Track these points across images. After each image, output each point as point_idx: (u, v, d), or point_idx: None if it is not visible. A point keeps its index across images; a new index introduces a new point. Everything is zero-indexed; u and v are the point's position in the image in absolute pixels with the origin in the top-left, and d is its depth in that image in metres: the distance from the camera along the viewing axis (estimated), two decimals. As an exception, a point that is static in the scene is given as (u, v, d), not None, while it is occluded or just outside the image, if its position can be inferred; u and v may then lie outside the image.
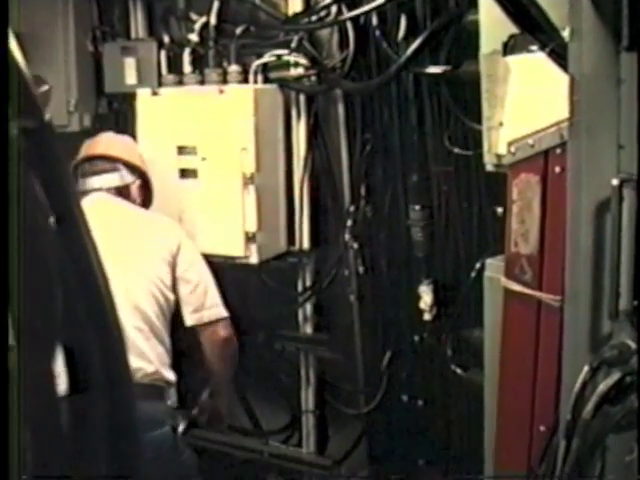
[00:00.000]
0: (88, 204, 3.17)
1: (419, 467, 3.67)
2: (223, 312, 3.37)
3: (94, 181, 3.31)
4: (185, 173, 3.59)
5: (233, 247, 3.53)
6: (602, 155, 1.79)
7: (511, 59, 2.71)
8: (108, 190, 3.31)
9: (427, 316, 3.50)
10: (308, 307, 3.82)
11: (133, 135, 3.65)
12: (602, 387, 1.98)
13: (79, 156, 3.38)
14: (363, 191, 3.61)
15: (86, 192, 3.26)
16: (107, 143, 3.43)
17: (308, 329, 3.84)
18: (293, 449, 3.98)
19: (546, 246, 2.49)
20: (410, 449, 3.72)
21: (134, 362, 2.94)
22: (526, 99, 2.64)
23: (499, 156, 2.76)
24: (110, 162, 3.34)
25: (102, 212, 3.13)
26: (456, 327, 3.44)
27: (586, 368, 2.25)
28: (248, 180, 3.48)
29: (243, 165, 3.47)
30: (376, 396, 3.74)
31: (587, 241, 1.85)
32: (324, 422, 3.95)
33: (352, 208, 3.63)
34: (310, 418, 3.90)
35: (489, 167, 2.86)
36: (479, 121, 2.90)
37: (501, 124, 2.78)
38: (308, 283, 3.80)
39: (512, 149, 2.57)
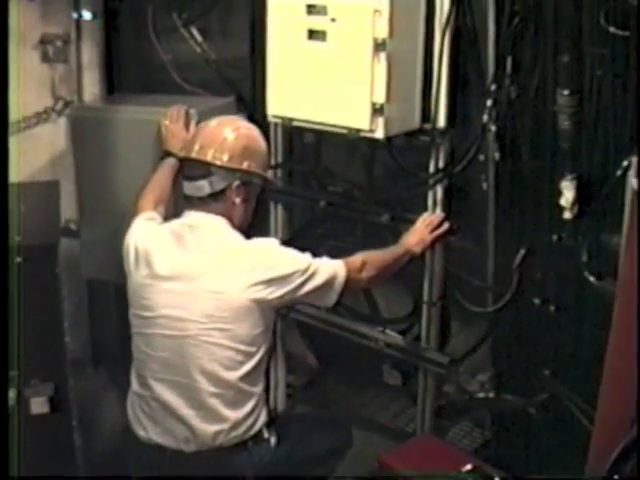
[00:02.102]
0: (181, 224, 3.23)
1: (544, 377, 3.54)
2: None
3: (186, 187, 3.21)
4: (313, 34, 3.41)
5: (358, 118, 3.36)
6: None
7: None
8: (200, 199, 3.18)
9: (567, 214, 3.27)
10: (439, 191, 3.64)
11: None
12: None
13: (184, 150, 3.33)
14: (508, 68, 3.36)
15: (185, 197, 3.23)
16: (206, 138, 3.22)
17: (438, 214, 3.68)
18: (411, 341, 3.88)
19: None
20: (536, 357, 3.57)
21: None
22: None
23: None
24: (203, 166, 3.17)
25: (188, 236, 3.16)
26: (596, 230, 3.23)
27: None
28: (379, 46, 3.27)
29: (375, 29, 3.26)
30: (505, 295, 3.57)
31: None
32: (447, 316, 3.83)
33: (494, 86, 3.39)
34: (432, 311, 3.78)
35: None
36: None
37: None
38: (441, 165, 3.61)
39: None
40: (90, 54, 4.54)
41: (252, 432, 3.19)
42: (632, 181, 2.44)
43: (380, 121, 3.36)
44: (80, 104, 4.49)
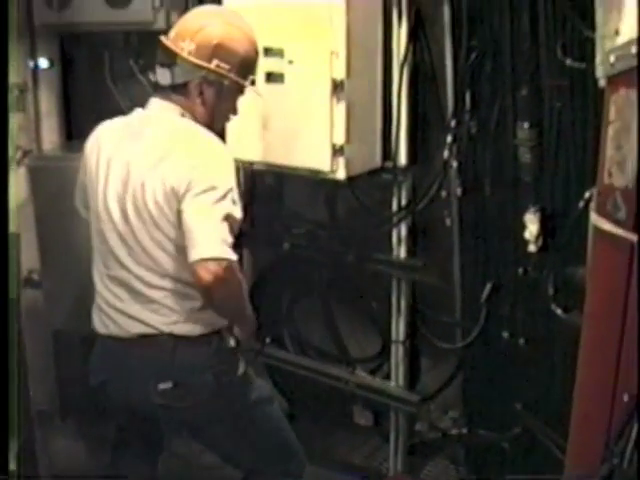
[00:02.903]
0: (141, 112, 2.99)
1: (516, 411, 3.49)
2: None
3: (157, 72, 2.95)
4: (271, 77, 3.37)
5: (319, 160, 3.33)
6: None
7: (631, -45, 2.40)
8: (163, 89, 2.94)
9: (532, 247, 3.26)
10: (403, 229, 3.60)
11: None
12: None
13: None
14: (467, 104, 3.35)
15: (155, 84, 2.99)
16: (184, 25, 2.96)
17: (402, 253, 3.63)
18: (381, 381, 3.84)
19: (645, 179, 2.20)
20: (507, 390, 3.53)
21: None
22: (645, 4, 2.34)
23: (613, 65, 2.45)
24: (171, 54, 2.90)
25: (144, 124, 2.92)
26: (561, 263, 3.19)
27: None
28: (338, 87, 3.25)
29: (333, 70, 3.24)
30: (474, 330, 3.53)
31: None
32: (416, 354, 3.78)
33: (454, 122, 3.38)
34: (400, 349, 3.73)
35: (602, 82, 2.55)
36: (597, 29, 2.60)
37: (617, 32, 2.47)
38: (404, 202, 3.58)
39: (612, 59, 2.25)
40: (48, 102, 4.47)
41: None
42: (592, 216, 2.41)
43: (341, 161, 3.33)
44: (39, 153, 4.42)
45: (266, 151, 3.46)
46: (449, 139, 3.39)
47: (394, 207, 3.61)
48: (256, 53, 2.99)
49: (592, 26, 2.66)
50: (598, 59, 2.53)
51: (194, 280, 2.72)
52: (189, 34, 2.86)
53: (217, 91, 2.90)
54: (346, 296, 3.91)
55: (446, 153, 3.40)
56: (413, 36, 3.41)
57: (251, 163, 3.55)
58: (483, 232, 3.46)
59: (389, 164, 3.53)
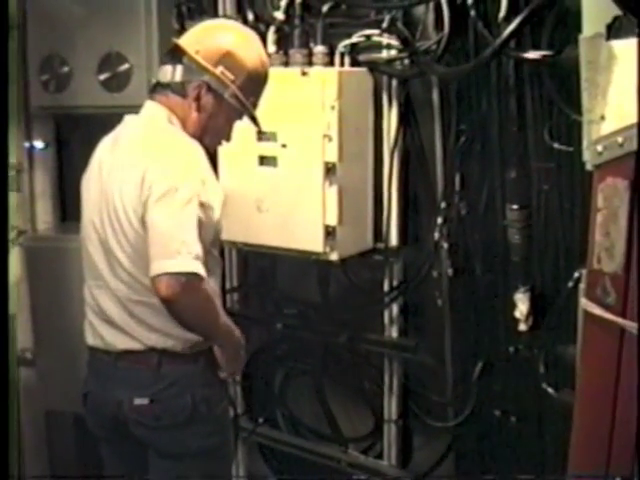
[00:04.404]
0: (131, 117, 2.89)
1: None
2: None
3: (159, 72, 2.88)
4: (264, 160, 3.41)
5: (312, 242, 3.34)
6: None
7: (615, 44, 2.44)
8: (162, 87, 2.84)
9: (522, 326, 3.26)
10: (394, 309, 3.60)
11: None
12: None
13: None
14: (457, 186, 3.36)
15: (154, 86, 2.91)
16: (195, 30, 2.90)
17: (394, 333, 3.62)
18: (373, 460, 3.80)
19: (633, 265, 2.18)
20: (501, 468, 3.49)
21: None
22: (629, 90, 2.37)
23: (600, 154, 2.49)
24: (178, 53, 2.83)
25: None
26: (551, 341, 3.19)
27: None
28: (330, 170, 3.28)
29: (325, 154, 3.27)
30: (465, 409, 3.50)
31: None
32: (408, 433, 3.73)
33: (444, 204, 3.39)
34: (393, 428, 3.69)
35: (589, 166, 2.57)
36: (583, 113, 2.64)
37: (603, 118, 2.50)
38: (395, 283, 3.58)
39: (599, 148, 2.28)
40: (43, 183, 4.48)
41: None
42: (582, 300, 2.42)
43: (334, 243, 3.34)
44: (33, 233, 4.41)
45: (259, 233, 3.46)
46: (439, 220, 3.39)
47: (386, 287, 3.60)
48: (264, 75, 2.93)
49: (579, 110, 2.71)
50: (585, 144, 2.56)
51: (155, 293, 2.56)
52: (201, 37, 2.82)
53: (215, 101, 2.80)
54: (338, 376, 3.87)
55: (437, 234, 3.40)
56: (403, 120, 3.43)
57: (244, 244, 3.55)
58: (474, 312, 3.44)
59: (381, 245, 3.53)
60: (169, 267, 2.52)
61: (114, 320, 2.82)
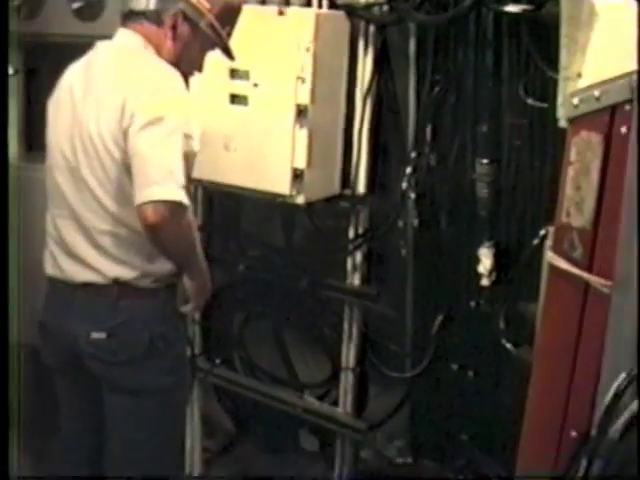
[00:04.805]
0: (102, 43, 2.80)
1: (460, 442, 3.48)
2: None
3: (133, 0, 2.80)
4: (236, 99, 3.33)
5: (279, 184, 3.29)
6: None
7: (597, 1, 2.41)
8: (136, 15, 2.76)
9: (485, 281, 3.26)
10: (358, 257, 3.56)
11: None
12: (636, 404, 1.72)
13: None
14: (428, 137, 3.34)
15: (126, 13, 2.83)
16: None
17: (356, 280, 3.58)
18: (329, 407, 3.78)
19: (602, 220, 2.16)
20: (454, 422, 3.52)
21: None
22: (609, 48, 2.34)
23: (576, 107, 2.46)
24: None
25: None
26: (513, 298, 3.19)
27: (622, 375, 1.99)
28: (301, 112, 3.22)
29: (297, 96, 3.21)
30: (423, 361, 3.50)
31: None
32: (365, 382, 3.72)
33: (414, 154, 3.36)
34: (350, 376, 3.67)
35: (562, 123, 2.54)
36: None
37: (579, 75, 2.48)
38: (360, 231, 3.54)
39: (574, 101, 2.24)
40: (10, 111, 4.41)
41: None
42: (547, 254, 2.41)
43: (300, 187, 3.29)
44: (-2, 162, 4.35)
45: (226, 172, 3.40)
46: (408, 170, 3.37)
47: (350, 234, 3.56)
48: (239, 5, 2.87)
49: (555, 67, 2.69)
50: (560, 100, 2.55)
51: (140, 220, 2.51)
52: None
53: (191, 30, 2.75)
54: (298, 321, 3.86)
55: (404, 184, 3.37)
56: (378, 67, 3.37)
57: (211, 183, 3.49)
58: (437, 264, 3.44)
59: (348, 191, 3.49)
60: (157, 194, 2.48)
61: (77, 251, 2.76)
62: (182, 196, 2.53)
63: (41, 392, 3.24)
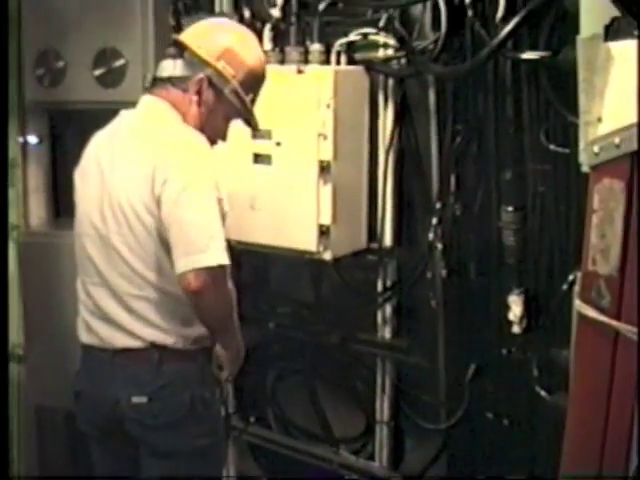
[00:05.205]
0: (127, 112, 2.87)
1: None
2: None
3: (158, 67, 2.88)
4: (259, 158, 3.38)
5: (305, 241, 3.32)
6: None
7: (613, 45, 2.42)
8: (162, 81, 2.84)
9: (516, 329, 3.23)
10: (388, 309, 3.58)
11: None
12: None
13: None
14: (452, 187, 3.34)
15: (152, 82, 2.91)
16: (195, 27, 2.89)
17: (387, 333, 3.60)
18: (364, 461, 3.76)
19: (628, 267, 2.15)
20: (492, 470, 3.47)
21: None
22: (627, 91, 2.34)
23: (597, 154, 2.46)
24: (179, 48, 2.84)
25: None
26: (545, 344, 3.17)
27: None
28: (324, 169, 3.26)
29: (320, 152, 3.25)
30: (458, 411, 3.47)
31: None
32: (400, 434, 3.71)
33: (439, 205, 3.36)
34: (385, 429, 3.67)
35: (585, 168, 2.54)
36: (580, 115, 2.61)
37: (600, 119, 2.48)
38: (389, 283, 3.56)
39: (595, 149, 2.25)
40: (36, 178, 4.46)
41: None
42: (576, 302, 2.40)
43: (327, 243, 3.31)
44: (27, 229, 4.38)
45: (253, 231, 3.44)
46: (434, 221, 3.37)
47: (379, 287, 3.58)
48: (263, 73, 2.94)
49: (575, 111, 2.69)
50: (582, 145, 2.54)
51: (182, 288, 2.58)
52: (201, 33, 2.84)
53: (216, 96, 2.81)
54: (331, 376, 3.85)
55: (431, 235, 3.37)
56: (399, 119, 3.41)
57: (238, 242, 3.50)
58: (467, 313, 3.42)
59: (374, 245, 3.51)
60: (201, 262, 2.55)
61: (111, 317, 2.79)
62: (224, 259, 2.60)
63: (75, 457, 3.25)
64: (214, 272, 2.57)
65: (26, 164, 4.36)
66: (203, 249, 2.55)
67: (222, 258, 2.59)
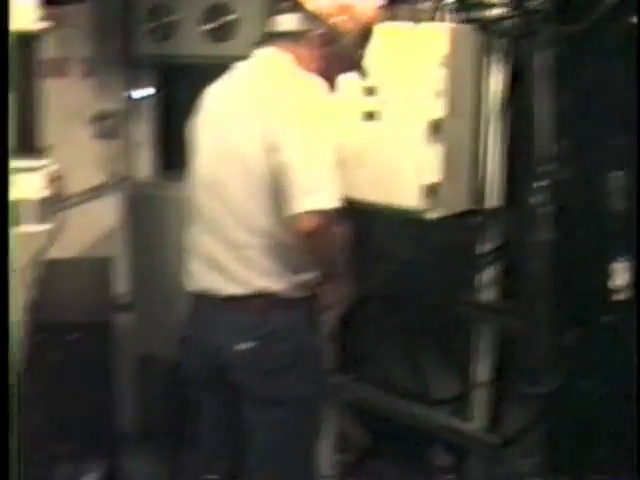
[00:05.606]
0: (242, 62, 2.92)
1: (598, 458, 3.40)
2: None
3: (273, 22, 2.90)
4: (368, 115, 3.35)
5: (411, 199, 3.28)
6: None
7: None
8: (275, 38, 2.88)
9: (621, 296, 3.20)
10: (491, 271, 3.56)
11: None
12: None
13: None
14: (563, 150, 3.30)
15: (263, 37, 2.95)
16: None
17: (489, 295, 3.58)
18: (461, 422, 3.75)
19: None
20: (593, 440, 3.44)
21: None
22: None
23: None
24: (296, 4, 2.86)
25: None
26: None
27: None
28: (435, 127, 3.21)
29: (431, 110, 3.21)
30: (558, 377, 3.45)
31: None
32: (498, 397, 3.70)
33: (548, 167, 3.31)
34: (483, 391, 3.66)
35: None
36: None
37: None
38: (493, 245, 3.54)
39: None
40: (145, 131, 4.53)
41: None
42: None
43: (434, 201, 3.29)
44: (135, 181, 4.49)
45: (359, 188, 3.41)
46: (542, 184, 3.33)
47: (483, 249, 3.56)
48: (372, 30, 2.95)
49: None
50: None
51: (295, 229, 2.64)
52: None
53: (332, 51, 2.86)
54: (431, 336, 3.86)
55: (539, 197, 3.35)
56: (511, 80, 3.38)
57: (343, 198, 3.52)
58: (574, 278, 3.40)
59: (480, 206, 3.49)
60: (315, 203, 2.60)
61: (221, 265, 2.85)
62: (336, 203, 2.64)
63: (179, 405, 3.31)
64: (327, 214, 2.62)
65: (135, 116, 4.44)
66: (316, 191, 2.60)
67: (334, 202, 2.63)
